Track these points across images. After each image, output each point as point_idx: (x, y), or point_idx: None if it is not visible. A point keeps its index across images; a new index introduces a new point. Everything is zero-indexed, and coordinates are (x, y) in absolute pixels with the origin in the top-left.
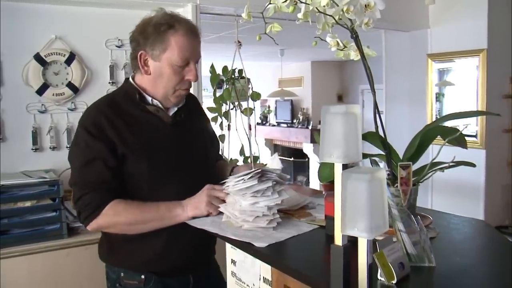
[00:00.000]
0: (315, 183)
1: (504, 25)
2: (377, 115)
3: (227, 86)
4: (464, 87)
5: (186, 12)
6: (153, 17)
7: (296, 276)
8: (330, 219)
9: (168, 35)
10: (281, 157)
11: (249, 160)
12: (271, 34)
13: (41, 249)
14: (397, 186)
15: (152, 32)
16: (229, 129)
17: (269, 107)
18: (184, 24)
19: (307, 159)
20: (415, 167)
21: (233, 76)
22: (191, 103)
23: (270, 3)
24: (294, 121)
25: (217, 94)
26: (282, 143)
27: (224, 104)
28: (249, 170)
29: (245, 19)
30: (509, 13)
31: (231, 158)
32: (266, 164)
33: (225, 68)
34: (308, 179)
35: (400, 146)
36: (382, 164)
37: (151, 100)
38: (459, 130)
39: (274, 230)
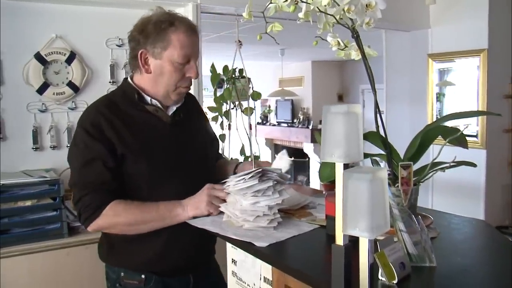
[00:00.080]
0: (315, 183)
1: (505, 25)
2: (378, 115)
3: (228, 86)
4: (464, 87)
5: (187, 11)
6: (152, 16)
7: (297, 276)
8: (331, 219)
9: (169, 33)
10: None
11: (249, 160)
12: (272, 34)
13: (41, 248)
14: (398, 186)
15: (153, 30)
16: (229, 128)
17: (269, 106)
18: (184, 22)
19: (307, 159)
20: (415, 167)
21: (233, 76)
22: (190, 103)
23: (271, 3)
24: (295, 120)
25: (218, 94)
26: (282, 142)
27: (224, 104)
28: (250, 170)
29: (245, 18)
30: (510, 13)
31: (231, 158)
32: (272, 162)
33: (225, 68)
34: (308, 179)
35: (400, 146)
36: (383, 164)
37: (150, 100)
38: (460, 130)
39: (275, 229)
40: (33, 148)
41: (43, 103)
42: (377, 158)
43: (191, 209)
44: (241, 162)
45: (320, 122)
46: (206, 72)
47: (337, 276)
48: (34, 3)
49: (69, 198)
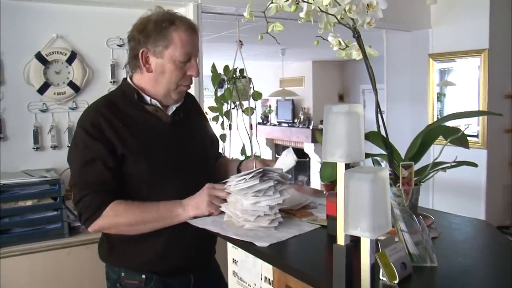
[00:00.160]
0: (316, 183)
1: (506, 25)
2: (379, 115)
3: (228, 86)
4: (465, 87)
5: (188, 11)
6: (152, 15)
7: (298, 275)
8: (332, 219)
9: (170, 31)
10: None
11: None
12: (273, 34)
13: (42, 248)
14: (399, 186)
15: (153, 29)
16: (230, 128)
17: (270, 106)
18: (184, 21)
19: (308, 159)
20: (417, 167)
21: (234, 76)
22: (190, 103)
23: (272, 2)
24: (295, 120)
25: (218, 94)
26: (283, 142)
27: (225, 104)
28: (251, 170)
29: (246, 18)
30: (511, 13)
31: (232, 158)
32: (276, 161)
33: (226, 68)
34: (309, 178)
35: (401, 146)
36: (384, 164)
37: (150, 99)
38: (461, 130)
39: (276, 229)
40: (33, 148)
41: (43, 103)
42: (378, 158)
43: (191, 209)
44: (244, 159)
45: (321, 122)
46: (207, 72)
47: (338, 276)
48: (35, 3)
49: (69, 198)
